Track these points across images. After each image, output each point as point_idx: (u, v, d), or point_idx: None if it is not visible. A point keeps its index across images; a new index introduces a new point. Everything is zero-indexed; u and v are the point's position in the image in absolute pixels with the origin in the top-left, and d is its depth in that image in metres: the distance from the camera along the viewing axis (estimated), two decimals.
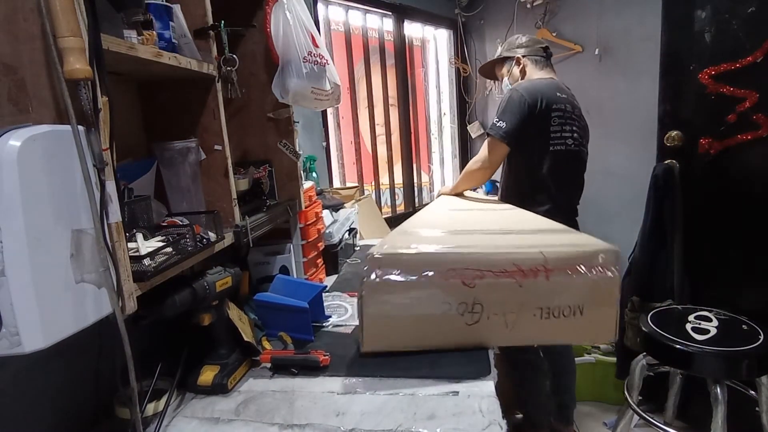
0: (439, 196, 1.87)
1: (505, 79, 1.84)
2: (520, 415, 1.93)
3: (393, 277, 0.99)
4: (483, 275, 0.99)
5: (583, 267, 1.00)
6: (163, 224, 0.90)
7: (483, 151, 1.66)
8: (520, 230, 1.23)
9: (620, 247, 2.15)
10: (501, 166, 1.74)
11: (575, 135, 1.65)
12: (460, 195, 1.81)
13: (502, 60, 1.84)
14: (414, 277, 0.99)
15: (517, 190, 1.70)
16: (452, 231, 1.22)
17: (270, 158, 1.32)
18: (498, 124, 1.59)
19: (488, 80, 2.92)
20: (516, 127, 1.57)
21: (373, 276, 0.99)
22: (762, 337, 1.31)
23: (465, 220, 1.43)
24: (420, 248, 1.04)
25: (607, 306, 1.01)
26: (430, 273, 0.99)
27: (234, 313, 1.07)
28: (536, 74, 1.73)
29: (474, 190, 1.97)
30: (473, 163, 1.70)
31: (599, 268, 1.00)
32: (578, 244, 1.06)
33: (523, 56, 1.75)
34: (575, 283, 1.00)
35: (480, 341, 1.02)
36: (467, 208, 1.62)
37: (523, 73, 1.76)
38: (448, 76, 3.12)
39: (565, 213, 1.66)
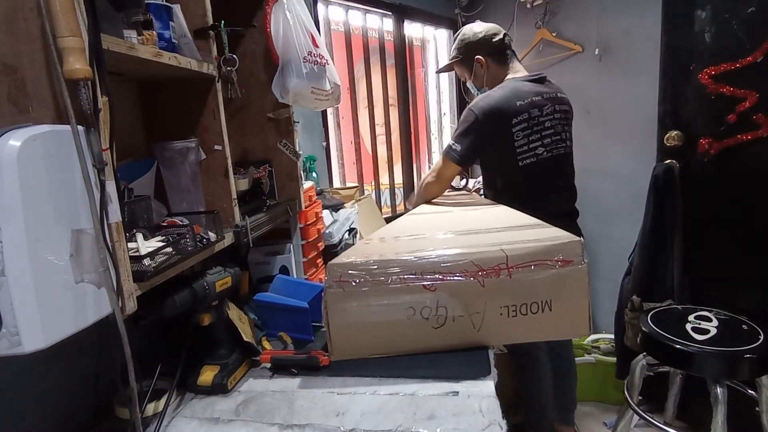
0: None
1: (470, 81, 1.77)
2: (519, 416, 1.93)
3: (354, 286, 1.00)
4: (443, 278, 1.00)
5: (545, 261, 0.99)
6: (163, 224, 0.90)
7: (437, 166, 1.63)
8: (489, 229, 1.22)
9: (620, 247, 2.13)
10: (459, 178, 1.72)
11: (546, 140, 1.57)
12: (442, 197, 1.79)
13: (462, 60, 1.73)
14: (374, 285, 1.00)
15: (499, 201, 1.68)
16: (419, 236, 1.22)
17: (270, 158, 1.32)
18: (454, 147, 1.55)
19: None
20: (471, 149, 1.54)
21: (333, 285, 1.00)
22: (762, 337, 1.31)
23: (437, 223, 1.43)
24: (379, 256, 1.05)
25: (576, 298, 1.00)
26: (389, 280, 1.00)
27: (234, 313, 1.07)
28: (502, 73, 1.67)
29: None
30: (428, 177, 1.67)
31: (562, 260, 0.99)
32: (542, 238, 1.04)
33: (486, 56, 1.67)
34: (539, 278, 0.99)
35: (449, 344, 1.02)
36: (447, 210, 1.62)
37: (486, 73, 1.69)
38: (448, 76, 3.12)
39: (553, 218, 1.50)
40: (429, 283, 1.00)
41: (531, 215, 1.39)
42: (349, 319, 1.02)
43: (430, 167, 3.08)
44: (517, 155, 1.55)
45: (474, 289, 1.00)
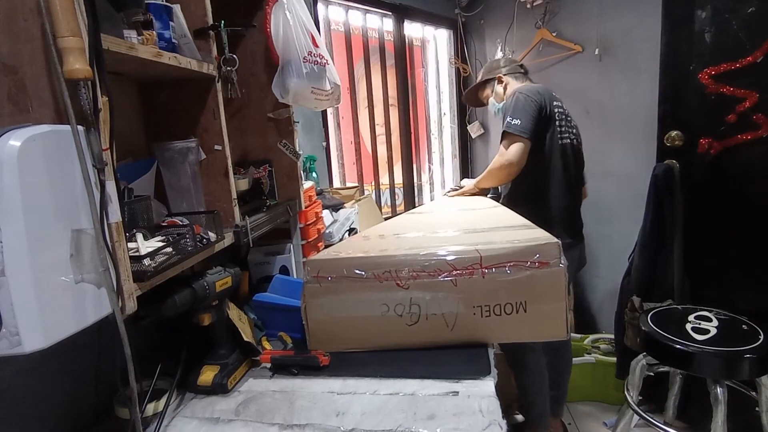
0: (453, 193, 1.92)
1: (491, 99, 1.96)
2: (519, 416, 1.93)
3: (330, 281, 1.03)
4: (417, 276, 1.01)
5: (521, 262, 1.00)
6: (163, 224, 0.90)
7: (503, 152, 1.68)
8: (475, 229, 1.24)
9: (620, 247, 2.15)
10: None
11: (573, 131, 1.78)
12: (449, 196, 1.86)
13: (484, 83, 1.97)
14: (349, 281, 1.02)
15: (525, 190, 1.74)
16: (404, 234, 1.24)
17: (270, 158, 1.32)
18: (514, 123, 1.64)
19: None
20: (531, 123, 1.64)
21: (311, 280, 1.03)
22: (762, 337, 1.31)
23: (428, 222, 1.44)
24: (355, 252, 1.07)
25: (553, 301, 1.00)
26: (364, 276, 1.02)
27: (234, 313, 1.07)
28: (519, 86, 1.82)
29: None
30: (497, 163, 1.71)
31: (539, 262, 0.99)
32: (520, 239, 1.05)
33: (504, 74, 1.88)
34: (513, 279, 0.99)
35: (423, 342, 1.03)
36: (442, 210, 1.63)
37: (505, 89, 1.87)
38: (448, 76, 3.12)
39: (576, 208, 1.80)
40: (402, 280, 1.01)
41: (558, 201, 1.58)
42: (325, 313, 1.05)
43: (430, 167, 3.08)
44: (557, 133, 1.72)
45: (447, 289, 1.01)
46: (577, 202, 1.83)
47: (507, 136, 1.66)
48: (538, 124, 1.66)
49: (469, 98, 2.14)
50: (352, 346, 1.06)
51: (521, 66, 1.93)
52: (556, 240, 1.01)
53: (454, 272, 1.00)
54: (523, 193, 1.75)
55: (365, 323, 1.04)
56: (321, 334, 1.06)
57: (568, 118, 1.78)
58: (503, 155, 1.67)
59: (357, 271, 1.03)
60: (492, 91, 1.94)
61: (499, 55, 1.95)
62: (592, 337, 2.35)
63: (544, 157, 1.71)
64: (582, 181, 1.88)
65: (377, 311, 1.03)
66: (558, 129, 1.72)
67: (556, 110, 1.72)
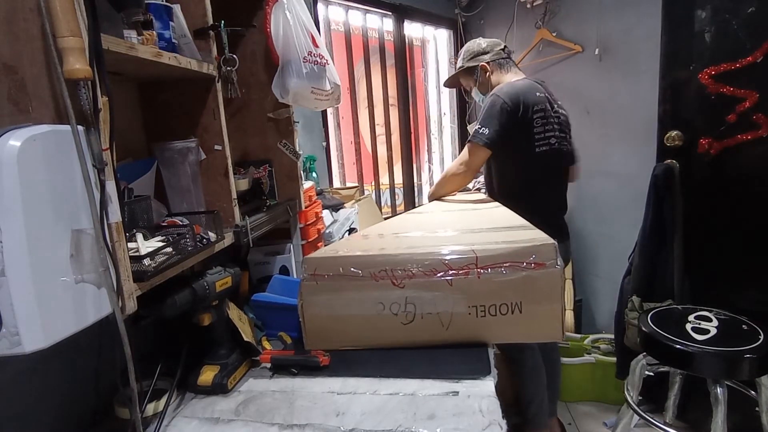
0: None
1: (474, 88, 1.88)
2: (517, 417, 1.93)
3: (327, 279, 1.03)
4: (413, 275, 1.01)
5: (517, 263, 0.99)
6: (163, 224, 0.90)
7: (464, 155, 1.68)
8: (473, 229, 1.24)
9: (620, 247, 2.15)
10: (483, 169, 1.82)
11: (557, 133, 1.68)
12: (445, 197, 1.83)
13: (467, 70, 1.85)
14: (346, 279, 1.03)
15: (505, 193, 1.72)
16: (403, 234, 1.25)
17: (270, 158, 1.32)
18: (482, 131, 1.61)
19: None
20: (499, 132, 1.60)
21: (308, 278, 1.04)
22: (762, 337, 1.31)
23: (428, 222, 1.45)
24: (352, 251, 1.07)
25: (549, 302, 0.99)
26: (360, 274, 1.02)
27: (234, 313, 1.07)
28: (505, 77, 1.77)
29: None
30: (455, 167, 1.72)
31: (535, 263, 0.99)
32: (517, 240, 1.05)
33: (489, 62, 1.79)
34: (509, 279, 0.99)
35: (418, 341, 1.03)
36: (445, 209, 1.63)
37: (489, 79, 1.80)
38: (448, 76, 3.12)
39: (556, 211, 1.75)
40: (398, 279, 1.01)
41: (535, 207, 1.46)
42: (322, 311, 1.05)
43: (430, 167, 3.08)
44: (534, 141, 1.64)
45: (442, 288, 1.01)
46: (558, 206, 1.77)
47: (471, 143, 1.64)
48: (509, 133, 1.60)
49: (450, 82, 2.05)
50: (348, 344, 1.06)
51: (504, 49, 1.80)
52: (552, 241, 1.01)
53: (450, 272, 1.00)
54: (500, 199, 1.69)
55: (361, 321, 1.04)
56: (317, 331, 1.06)
57: (551, 119, 1.65)
58: (462, 161, 1.67)
59: (353, 270, 1.03)
60: (476, 81, 1.84)
61: (480, 40, 1.81)
62: (592, 337, 2.35)
63: (521, 166, 1.66)
64: (567, 179, 1.80)
65: (373, 310, 1.03)
66: (536, 137, 1.63)
67: (536, 115, 1.61)
